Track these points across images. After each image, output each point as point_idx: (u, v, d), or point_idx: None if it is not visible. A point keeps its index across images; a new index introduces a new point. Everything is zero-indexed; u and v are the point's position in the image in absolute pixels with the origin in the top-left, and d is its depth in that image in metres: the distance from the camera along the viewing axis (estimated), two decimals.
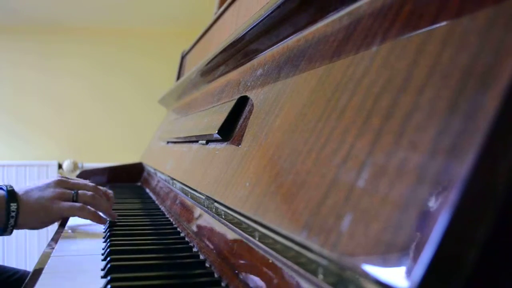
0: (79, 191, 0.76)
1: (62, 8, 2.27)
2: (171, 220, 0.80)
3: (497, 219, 0.19)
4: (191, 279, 0.47)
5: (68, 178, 0.81)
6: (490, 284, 0.20)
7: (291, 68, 0.50)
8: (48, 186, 0.75)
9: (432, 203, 0.21)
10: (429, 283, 0.19)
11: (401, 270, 0.21)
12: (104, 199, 0.78)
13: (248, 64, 0.69)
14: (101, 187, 0.87)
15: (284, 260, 0.35)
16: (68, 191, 0.75)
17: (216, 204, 0.55)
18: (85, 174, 1.48)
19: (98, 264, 0.55)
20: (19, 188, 0.74)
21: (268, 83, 0.55)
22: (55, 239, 0.70)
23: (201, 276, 0.48)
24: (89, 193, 0.76)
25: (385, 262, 0.22)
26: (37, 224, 0.73)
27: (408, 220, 0.22)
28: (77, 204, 0.73)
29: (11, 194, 0.71)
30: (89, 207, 0.74)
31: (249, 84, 0.64)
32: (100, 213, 0.77)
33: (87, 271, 0.54)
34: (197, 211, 0.68)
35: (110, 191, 0.89)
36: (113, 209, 0.92)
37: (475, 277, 0.19)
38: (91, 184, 0.81)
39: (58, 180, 0.77)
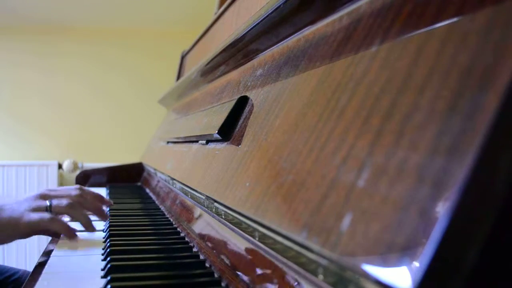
0: (54, 201, 0.69)
1: (62, 8, 2.27)
2: (171, 220, 0.80)
3: (497, 219, 0.19)
4: (191, 279, 0.47)
5: (53, 190, 0.74)
6: (490, 284, 0.20)
7: (291, 68, 0.50)
8: (26, 200, 0.69)
9: (432, 203, 0.21)
10: (429, 283, 0.19)
11: (401, 270, 0.21)
12: (84, 207, 0.71)
13: (248, 64, 0.69)
14: (93, 192, 0.80)
15: (284, 260, 0.35)
16: (44, 202, 0.69)
17: (216, 204, 0.55)
18: (85, 174, 1.48)
19: (98, 264, 0.56)
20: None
21: (268, 83, 0.55)
22: (55, 239, 0.70)
23: (201, 276, 0.48)
24: (65, 202, 0.69)
25: (385, 262, 0.22)
26: (6, 239, 0.67)
27: (408, 220, 0.22)
28: (47, 215, 0.66)
29: None
30: (63, 219, 0.68)
31: (249, 84, 0.64)
32: (82, 222, 0.71)
33: (87, 271, 0.54)
34: (197, 211, 0.68)
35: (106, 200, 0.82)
36: (113, 209, 0.92)
37: (475, 277, 0.19)
38: (75, 192, 0.73)
39: (40, 193, 0.71)
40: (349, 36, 0.39)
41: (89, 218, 0.71)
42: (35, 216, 0.66)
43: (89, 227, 0.70)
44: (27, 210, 0.67)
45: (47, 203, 0.69)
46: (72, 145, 2.45)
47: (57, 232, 0.67)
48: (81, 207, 0.71)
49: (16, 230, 0.66)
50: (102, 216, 0.74)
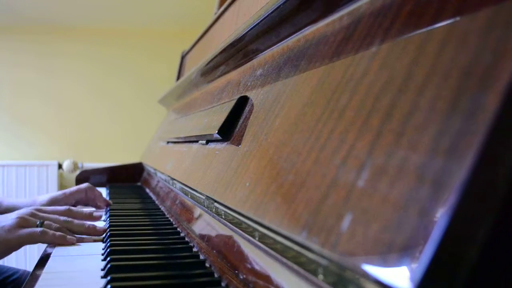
0: (46, 222, 0.70)
1: (62, 8, 2.27)
2: (171, 220, 0.80)
3: (497, 219, 0.19)
4: (191, 279, 0.47)
5: (41, 209, 0.75)
6: (490, 284, 0.20)
7: (291, 68, 0.50)
8: (13, 215, 0.69)
9: (432, 203, 0.21)
10: (429, 283, 0.19)
11: (401, 270, 0.21)
12: (74, 225, 0.72)
13: (248, 64, 0.69)
14: (83, 212, 0.80)
15: (284, 260, 0.35)
16: (33, 219, 0.69)
17: (216, 204, 0.55)
18: (85, 174, 1.48)
19: (98, 264, 0.55)
20: None
21: (268, 83, 0.55)
22: None
23: (201, 276, 0.48)
24: (55, 225, 0.70)
25: (385, 262, 0.22)
26: None
27: (408, 220, 0.22)
28: (37, 229, 0.67)
29: None
30: (52, 231, 0.68)
31: (249, 84, 0.64)
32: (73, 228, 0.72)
33: (87, 271, 0.54)
34: (197, 211, 0.68)
35: (95, 221, 0.80)
36: (113, 209, 0.92)
37: (475, 277, 0.19)
38: (62, 218, 0.73)
39: (29, 211, 0.71)
40: (349, 36, 0.39)
41: (85, 230, 0.72)
42: (25, 231, 0.66)
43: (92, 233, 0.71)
44: (16, 226, 0.67)
45: (37, 222, 0.69)
46: (72, 145, 2.45)
47: (50, 243, 0.67)
48: (72, 226, 0.72)
49: (4, 246, 0.65)
50: (94, 233, 0.73)
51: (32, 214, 0.71)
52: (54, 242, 0.67)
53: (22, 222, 0.67)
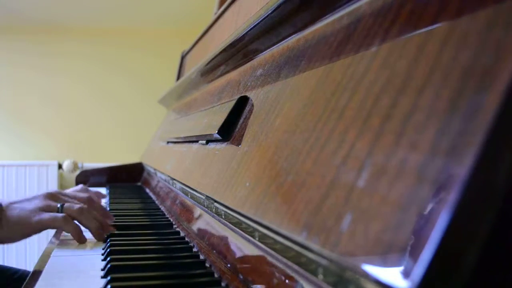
0: (66, 204, 0.69)
1: (62, 8, 2.27)
2: (171, 220, 0.80)
3: (497, 219, 0.19)
4: (191, 279, 0.47)
5: (62, 192, 0.75)
6: (491, 284, 0.20)
7: (291, 68, 0.50)
8: (35, 198, 0.70)
9: (432, 203, 0.21)
10: (429, 283, 0.19)
11: (401, 270, 0.21)
12: (93, 215, 0.70)
13: (248, 64, 0.69)
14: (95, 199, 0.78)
15: (284, 260, 0.35)
16: (54, 203, 0.70)
17: (216, 204, 0.55)
18: (85, 174, 1.48)
19: (98, 264, 0.56)
20: (5, 200, 0.69)
21: (268, 83, 0.55)
22: (55, 239, 0.70)
23: (201, 276, 0.48)
24: (77, 206, 0.69)
25: (385, 262, 0.22)
26: (16, 237, 0.67)
27: (408, 220, 0.22)
28: (60, 215, 0.66)
29: None
30: (74, 221, 0.68)
31: (249, 84, 0.64)
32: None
33: (86, 271, 0.54)
34: (197, 211, 0.68)
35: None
36: (113, 209, 0.92)
37: (476, 277, 0.19)
38: (83, 195, 0.73)
39: (48, 193, 0.72)
40: (349, 36, 0.39)
41: (99, 226, 0.69)
42: (47, 215, 0.66)
43: (99, 235, 0.69)
44: (37, 209, 0.67)
45: (58, 205, 0.69)
46: (72, 145, 2.45)
47: (68, 233, 0.67)
48: (91, 214, 0.70)
49: (26, 228, 0.66)
50: (106, 228, 0.71)
51: (54, 196, 0.71)
52: (71, 233, 0.67)
53: (45, 206, 0.68)
